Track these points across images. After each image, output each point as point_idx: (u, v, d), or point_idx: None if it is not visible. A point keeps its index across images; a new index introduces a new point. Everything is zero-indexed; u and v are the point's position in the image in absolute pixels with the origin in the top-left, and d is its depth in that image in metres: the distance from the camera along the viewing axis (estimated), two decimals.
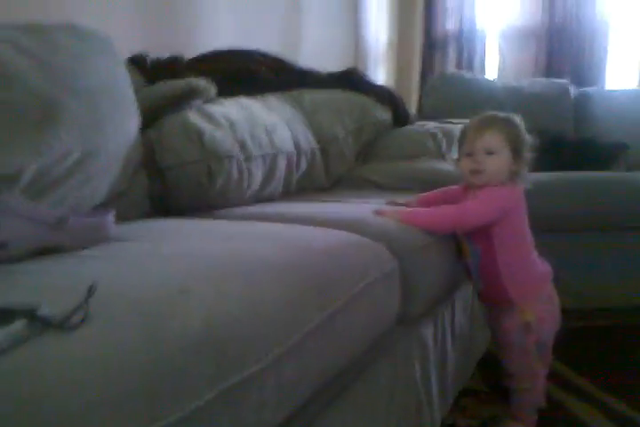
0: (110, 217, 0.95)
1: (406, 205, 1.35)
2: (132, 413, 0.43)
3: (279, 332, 0.64)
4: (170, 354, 0.50)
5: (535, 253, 1.24)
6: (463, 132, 1.24)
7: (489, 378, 1.54)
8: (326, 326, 0.73)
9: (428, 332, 1.20)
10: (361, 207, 1.33)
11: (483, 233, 1.17)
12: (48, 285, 0.64)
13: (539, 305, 1.21)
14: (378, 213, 1.20)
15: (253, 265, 0.74)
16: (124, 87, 1.26)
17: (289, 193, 1.68)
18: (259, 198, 1.52)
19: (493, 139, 1.15)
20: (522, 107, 2.63)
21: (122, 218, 1.03)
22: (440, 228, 1.17)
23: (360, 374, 0.92)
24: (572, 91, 3.05)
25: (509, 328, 1.22)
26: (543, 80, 3.29)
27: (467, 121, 2.21)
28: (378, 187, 1.87)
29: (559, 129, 2.81)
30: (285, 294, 0.69)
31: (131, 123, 1.25)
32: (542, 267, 1.24)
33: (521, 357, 1.23)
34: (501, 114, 1.20)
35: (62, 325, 0.50)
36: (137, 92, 1.31)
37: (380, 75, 3.40)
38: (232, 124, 1.41)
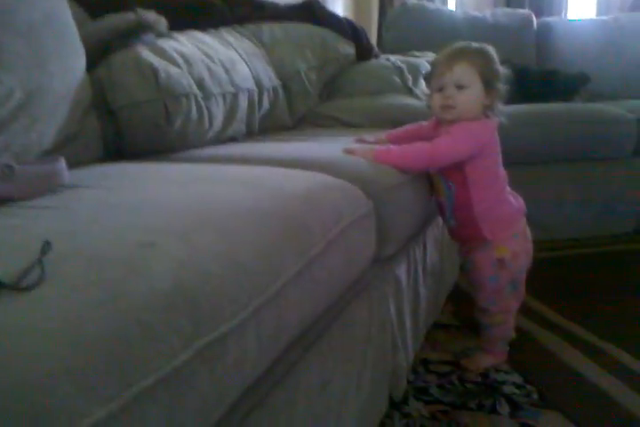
0: (62, 163, 0.88)
1: (376, 142, 1.30)
2: (100, 381, 0.39)
3: (256, 282, 0.60)
4: (137, 315, 0.45)
5: (508, 189, 1.22)
6: (433, 66, 1.18)
7: (460, 312, 1.57)
8: (305, 272, 0.69)
9: (401, 270, 1.19)
10: (330, 146, 1.28)
11: (456, 170, 1.14)
12: None
13: (513, 241, 1.21)
14: (348, 151, 1.15)
15: (223, 212, 0.69)
16: (67, 22, 1.15)
17: (252, 133, 1.61)
18: (220, 139, 1.45)
19: (464, 72, 1.10)
20: (485, 38, 2.53)
21: (73, 163, 0.95)
22: (414, 166, 1.13)
23: (337, 317, 0.90)
24: (534, 21, 2.99)
25: (483, 265, 1.22)
26: (505, 10, 3.22)
27: (431, 54, 2.14)
28: (344, 124, 1.81)
29: (523, 60, 2.77)
30: (260, 243, 0.65)
31: (77, 60, 1.14)
32: (516, 203, 1.22)
33: (494, 293, 1.23)
34: (473, 44, 1.14)
35: (15, 286, 0.44)
36: (80, 27, 1.20)
37: (338, 7, 3.24)
38: (187, 61, 1.31)
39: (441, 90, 1.12)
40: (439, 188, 1.20)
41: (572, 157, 2.23)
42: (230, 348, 0.53)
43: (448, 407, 1.14)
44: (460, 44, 1.15)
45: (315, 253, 0.73)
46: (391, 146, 1.16)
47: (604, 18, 3.08)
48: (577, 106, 2.41)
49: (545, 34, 2.99)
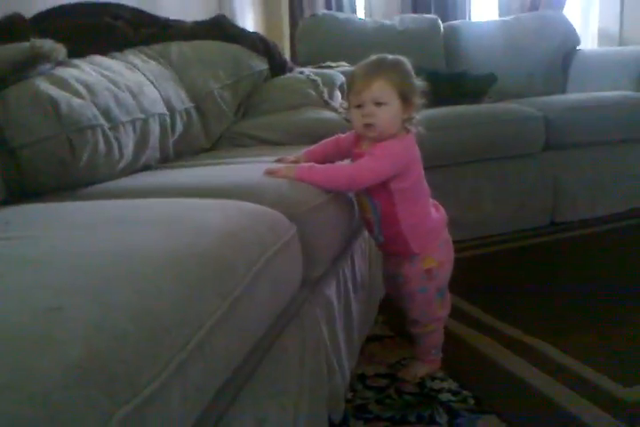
0: None
1: (296, 162, 1.29)
2: None
3: (177, 337, 0.57)
4: (45, 399, 0.42)
5: (431, 201, 1.25)
6: (350, 81, 1.18)
7: (392, 322, 1.58)
8: (230, 315, 0.67)
9: (331, 289, 1.19)
10: (249, 169, 1.26)
11: (381, 188, 1.15)
12: None
13: (438, 251, 1.24)
14: (269, 172, 1.14)
15: (137, 260, 0.66)
16: None
17: (167, 159, 1.56)
18: (133, 169, 1.40)
19: (382, 89, 1.10)
20: (395, 44, 2.63)
21: None
22: (336, 186, 1.13)
23: (268, 350, 0.88)
24: (441, 25, 3.08)
25: (412, 277, 1.23)
26: (412, 16, 3.30)
27: (345, 63, 2.15)
28: (263, 142, 1.79)
29: (432, 64, 2.84)
30: (178, 291, 0.62)
31: None
32: (438, 214, 1.25)
33: (424, 304, 1.25)
34: (389, 57, 1.14)
35: None
36: None
37: (248, 22, 3.22)
38: (91, 89, 1.25)
39: (359, 106, 1.12)
40: (365, 205, 1.20)
41: (485, 157, 2.31)
42: (153, 413, 0.51)
43: (388, 423, 1.15)
44: (376, 58, 1.14)
45: (240, 292, 0.71)
46: (314, 164, 1.16)
47: (506, 18, 3.21)
48: (487, 107, 2.50)
49: (452, 37, 3.08)
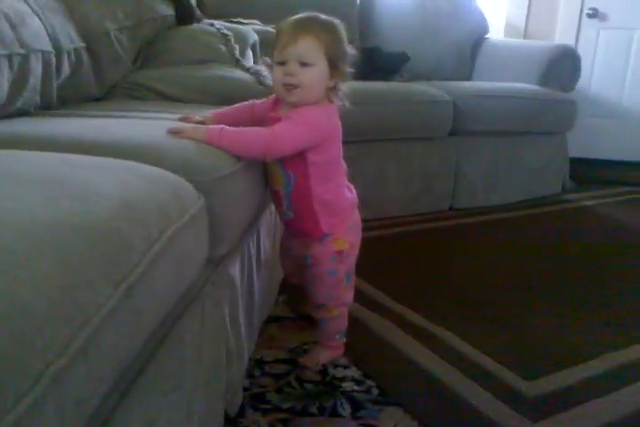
0: None
1: (203, 123, 1.14)
2: None
3: (54, 338, 0.43)
4: None
5: (345, 181, 1.16)
6: (276, 35, 1.05)
7: (293, 303, 1.49)
8: (123, 305, 0.54)
9: (235, 268, 1.07)
10: (148, 126, 1.09)
11: (298, 159, 1.04)
12: None
13: (349, 232, 1.16)
14: (174, 131, 0.98)
15: (7, 232, 0.50)
16: None
17: (48, 105, 1.34)
18: (8, 113, 1.17)
19: (309, 48, 0.99)
20: (308, 11, 2.48)
21: None
22: (250, 153, 1.00)
23: (162, 341, 0.75)
24: None
25: (322, 258, 1.14)
26: None
27: (258, 22, 1.98)
28: (161, 97, 1.60)
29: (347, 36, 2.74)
30: (61, 276, 0.47)
31: None
32: (351, 194, 1.17)
33: (331, 287, 1.17)
34: (322, 17, 1.03)
35: None
36: None
37: None
38: None
39: (283, 64, 1.01)
40: (277, 177, 1.09)
41: (394, 137, 2.26)
42: None
43: (288, 414, 1.06)
44: (308, 15, 1.03)
45: (136, 278, 0.58)
46: (225, 126, 1.01)
47: None
48: (399, 86, 2.44)
49: (367, 11, 2.99)
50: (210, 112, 1.19)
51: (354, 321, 1.33)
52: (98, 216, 0.59)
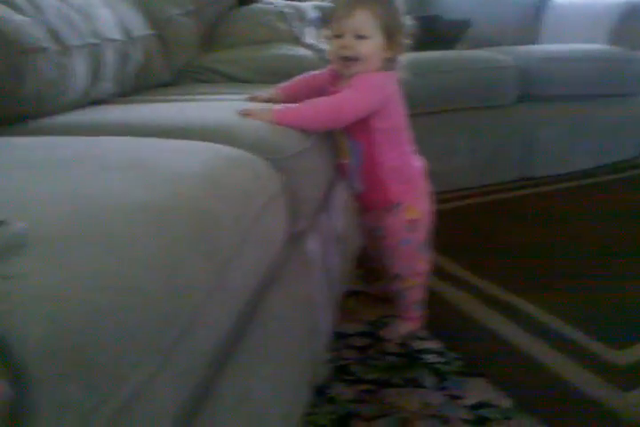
0: None
1: (271, 100, 1.15)
2: None
3: (164, 313, 0.45)
4: None
5: (411, 147, 1.15)
6: (333, 8, 1.05)
7: (369, 277, 1.50)
8: (220, 280, 0.56)
9: (312, 244, 1.08)
10: (222, 107, 1.11)
11: (363, 128, 1.05)
12: None
13: (421, 201, 1.16)
14: (245, 113, 1.00)
15: (108, 214, 0.52)
16: None
17: (123, 93, 1.38)
18: (87, 102, 1.22)
19: (365, 21, 0.99)
20: None
21: None
22: (317, 125, 1.02)
23: (251, 317, 0.77)
24: None
25: (396, 229, 1.15)
26: None
27: None
28: (227, 79, 1.62)
29: (405, 7, 2.68)
30: (163, 256, 0.49)
31: None
32: (418, 162, 1.16)
33: (406, 257, 1.18)
34: None
35: None
36: None
37: None
38: (37, 6, 1.05)
39: (339, 37, 1.01)
40: (344, 149, 1.10)
41: (459, 107, 2.21)
42: (139, 412, 0.39)
43: (372, 386, 1.08)
44: None
45: (228, 253, 0.60)
46: (289, 105, 1.03)
47: None
48: (461, 53, 2.37)
49: None
50: (274, 87, 1.21)
51: (432, 294, 1.33)
52: (189, 197, 0.61)
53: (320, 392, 1.06)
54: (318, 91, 1.11)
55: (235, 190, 0.69)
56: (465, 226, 1.88)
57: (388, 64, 1.05)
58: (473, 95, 2.20)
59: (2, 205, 0.53)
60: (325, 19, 1.10)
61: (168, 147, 0.81)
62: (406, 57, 2.09)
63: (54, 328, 0.36)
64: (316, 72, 1.17)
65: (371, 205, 1.19)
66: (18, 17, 1.00)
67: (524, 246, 1.68)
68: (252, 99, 1.19)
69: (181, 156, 0.75)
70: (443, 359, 1.15)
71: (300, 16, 1.80)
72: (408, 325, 1.25)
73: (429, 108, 2.13)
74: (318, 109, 1.02)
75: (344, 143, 1.10)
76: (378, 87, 1.04)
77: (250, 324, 0.76)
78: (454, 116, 2.20)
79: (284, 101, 1.13)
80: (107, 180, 0.62)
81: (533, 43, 2.85)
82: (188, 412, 0.54)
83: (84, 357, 0.36)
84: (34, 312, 0.37)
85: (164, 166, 0.68)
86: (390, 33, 1.02)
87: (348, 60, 1.02)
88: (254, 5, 1.84)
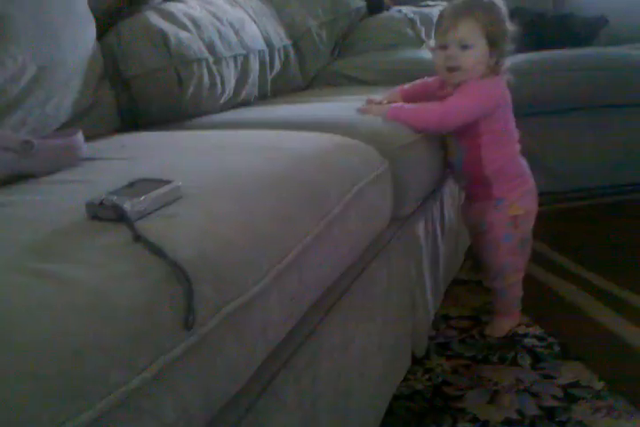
0: (79, 136, 0.88)
1: (388, 100, 1.27)
2: (132, 352, 0.41)
3: (277, 249, 0.61)
4: (164, 286, 0.47)
5: (518, 148, 1.20)
6: (438, 20, 1.14)
7: (478, 268, 1.57)
8: (324, 235, 0.71)
9: (419, 228, 1.20)
10: (344, 106, 1.27)
11: (471, 130, 1.12)
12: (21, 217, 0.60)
13: (525, 199, 1.20)
14: (362, 111, 1.15)
15: (242, 180, 0.69)
16: None
17: (264, 96, 1.60)
18: (233, 104, 1.44)
19: (468, 31, 1.06)
20: None
21: (90, 135, 0.96)
22: (425, 126, 1.11)
23: (357, 277, 0.91)
24: None
25: (498, 224, 1.19)
26: None
27: (443, 3, 2.05)
28: (359, 82, 1.78)
29: (538, 6, 2.67)
30: (280, 208, 0.66)
31: (87, 30, 1.13)
32: (523, 161, 1.21)
33: (507, 253, 1.21)
34: (474, 2, 1.08)
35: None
36: None
37: None
38: (196, 24, 1.29)
39: (444, 48, 1.09)
40: (451, 147, 1.19)
41: (590, 105, 2.17)
42: (255, 314, 0.55)
43: (470, 362, 1.17)
44: (467, 2, 1.09)
45: (333, 216, 0.74)
46: (404, 104, 1.15)
47: None
48: (596, 50, 2.33)
49: None
50: (395, 89, 1.32)
51: (539, 285, 1.38)
52: (302, 171, 0.77)
53: (419, 363, 1.17)
54: (431, 95, 1.20)
55: (343, 169, 0.84)
56: (584, 225, 1.87)
57: (494, 69, 1.11)
58: (604, 93, 2.15)
59: (168, 173, 0.72)
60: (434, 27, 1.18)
61: (294, 136, 0.98)
62: (540, 55, 2.11)
63: (196, 252, 0.53)
64: (429, 78, 1.25)
65: (476, 197, 1.25)
66: (183, 33, 1.24)
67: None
68: (370, 101, 1.27)
69: (303, 142, 0.92)
70: (541, 344, 1.21)
71: (427, 20, 1.91)
72: (510, 321, 1.28)
73: (557, 105, 2.13)
74: (426, 113, 1.11)
75: (451, 143, 1.19)
76: (485, 94, 1.10)
77: (354, 284, 0.90)
78: (582, 114, 2.17)
79: (403, 101, 1.24)
80: (241, 158, 0.80)
81: None
82: (294, 344, 0.70)
83: (214, 269, 0.53)
84: (184, 239, 0.54)
85: (288, 149, 0.86)
86: (494, 40, 1.07)
87: (454, 69, 1.08)
88: (384, 13, 1.99)
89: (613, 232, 1.79)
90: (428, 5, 2.21)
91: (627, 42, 2.46)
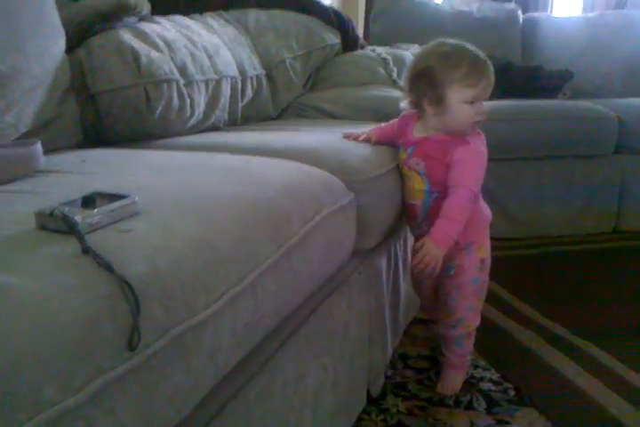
0: (38, 147, 0.85)
1: (368, 139, 1.23)
2: (65, 368, 0.38)
3: (233, 271, 0.58)
4: (108, 303, 0.44)
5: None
6: (462, 73, 1.06)
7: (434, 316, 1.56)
8: (283, 262, 0.68)
9: (382, 263, 1.18)
10: (315, 137, 1.27)
11: (444, 180, 1.10)
12: None
13: (488, 242, 1.19)
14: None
15: (202, 200, 0.67)
16: (45, 2, 1.11)
17: (234, 122, 1.58)
18: (203, 128, 1.42)
19: (491, 86, 1.07)
20: (470, 32, 2.58)
21: (50, 148, 0.93)
22: (469, 212, 1.08)
23: (315, 309, 0.89)
24: (520, 16, 3.00)
25: (468, 268, 1.16)
26: (492, 4, 3.20)
27: (417, 46, 2.09)
28: (327, 115, 1.79)
29: (507, 55, 2.77)
30: (238, 231, 0.63)
31: (56, 42, 1.11)
32: (487, 210, 1.20)
33: (472, 297, 1.19)
34: (482, 53, 1.09)
35: None
36: (60, 8, 1.16)
37: None
38: (170, 46, 1.28)
39: (473, 102, 1.07)
40: (416, 193, 1.15)
41: (554, 154, 2.24)
42: (205, 338, 0.52)
43: (425, 403, 1.14)
44: (480, 54, 1.08)
45: (293, 243, 0.72)
46: (439, 222, 1.08)
47: (590, 15, 3.09)
48: (561, 103, 2.42)
49: (530, 29, 3.00)
50: (372, 129, 1.27)
51: (498, 329, 1.37)
52: (265, 195, 0.75)
53: (375, 403, 1.14)
54: (398, 135, 1.18)
55: (307, 197, 0.82)
56: (543, 271, 1.89)
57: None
58: (569, 143, 2.22)
59: (127, 189, 0.69)
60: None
61: (260, 162, 0.97)
62: (507, 104, 2.15)
63: (147, 267, 0.50)
64: (396, 120, 1.22)
65: None
66: (155, 53, 1.22)
67: (603, 299, 1.65)
68: (348, 136, 1.25)
69: (269, 168, 0.90)
70: (497, 388, 1.19)
71: (399, 61, 1.95)
72: (462, 375, 1.23)
73: (521, 153, 2.19)
74: (459, 210, 1.07)
75: (419, 188, 1.14)
76: (485, 157, 1.11)
77: (312, 316, 0.87)
78: (546, 162, 2.23)
79: (378, 141, 1.21)
80: (204, 178, 0.78)
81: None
82: (246, 374, 0.66)
83: (165, 287, 0.50)
84: (136, 254, 0.51)
85: (250, 173, 0.84)
86: None
87: (480, 123, 1.09)
88: (358, 51, 2.03)
89: (571, 281, 1.81)
90: (401, 48, 2.27)
91: (590, 96, 2.57)
